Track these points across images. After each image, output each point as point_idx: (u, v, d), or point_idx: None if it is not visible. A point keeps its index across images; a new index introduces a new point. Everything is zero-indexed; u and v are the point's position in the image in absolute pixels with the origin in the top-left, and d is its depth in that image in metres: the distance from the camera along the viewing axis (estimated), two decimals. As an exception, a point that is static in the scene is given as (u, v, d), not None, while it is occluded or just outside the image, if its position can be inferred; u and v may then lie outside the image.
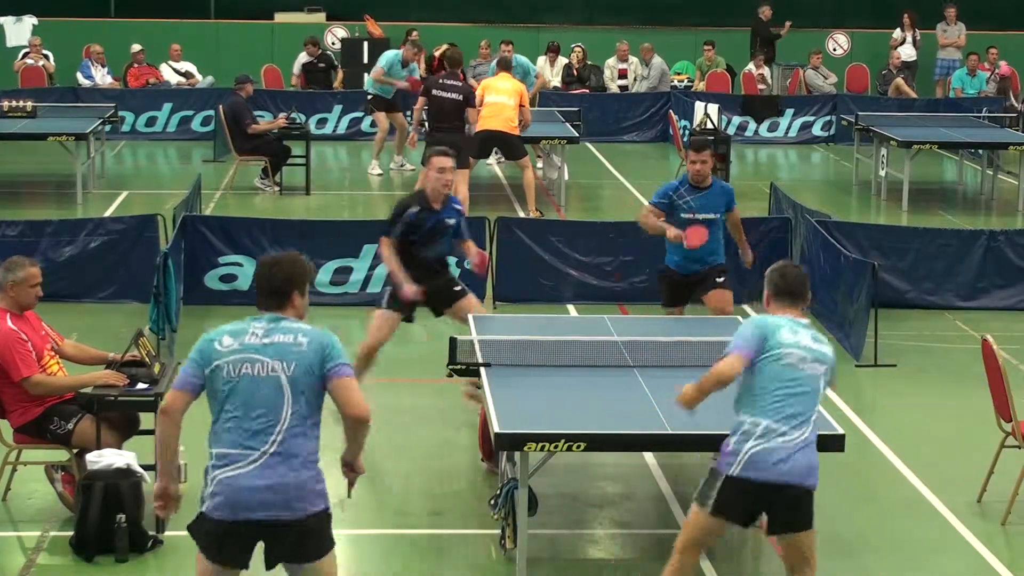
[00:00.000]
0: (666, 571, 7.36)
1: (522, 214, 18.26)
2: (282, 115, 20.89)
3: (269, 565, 6.40)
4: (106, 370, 8.97)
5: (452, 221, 10.82)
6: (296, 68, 26.92)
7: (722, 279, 11.77)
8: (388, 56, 21.95)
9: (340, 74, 26.84)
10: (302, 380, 6.35)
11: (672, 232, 11.51)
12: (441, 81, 18.00)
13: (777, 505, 7.09)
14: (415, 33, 27.73)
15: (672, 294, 11.87)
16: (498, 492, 8.56)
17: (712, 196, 11.65)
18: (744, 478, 7.04)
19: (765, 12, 28.03)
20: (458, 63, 18.52)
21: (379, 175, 21.55)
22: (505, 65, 18.72)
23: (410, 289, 10.57)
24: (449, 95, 17.65)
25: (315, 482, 6.35)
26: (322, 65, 26.83)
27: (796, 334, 7.24)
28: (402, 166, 22.02)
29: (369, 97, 22.08)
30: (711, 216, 11.60)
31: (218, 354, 6.39)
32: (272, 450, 6.29)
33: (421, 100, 18.25)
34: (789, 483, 7.03)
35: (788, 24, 28.08)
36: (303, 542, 6.33)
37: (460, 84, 17.95)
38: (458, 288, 10.98)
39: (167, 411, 6.39)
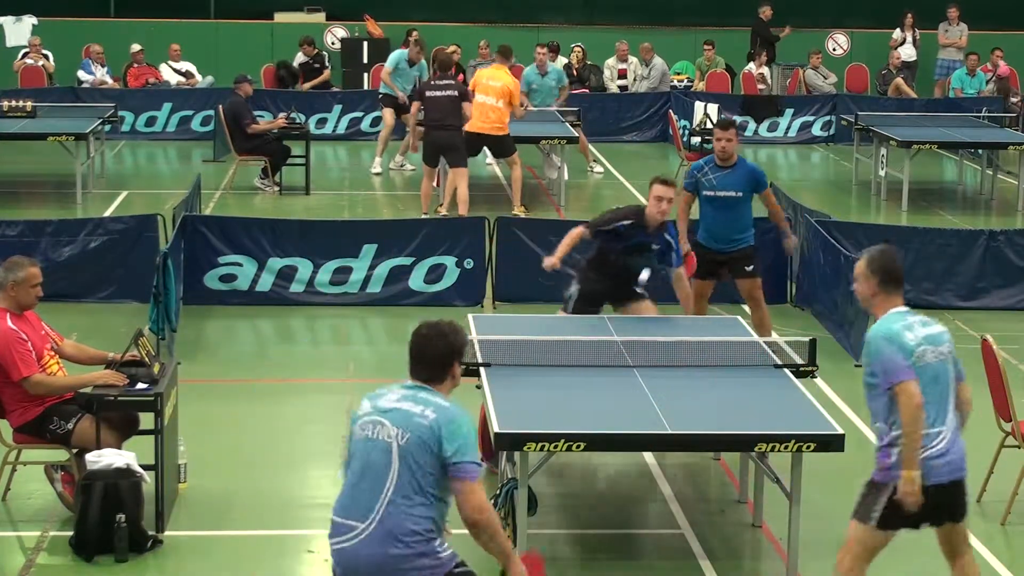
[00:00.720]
0: None
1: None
2: (282, 115, 20.89)
3: None
4: (106, 370, 8.97)
5: (656, 247, 10.88)
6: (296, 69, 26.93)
7: (751, 267, 12.04)
8: (395, 56, 22.00)
9: (326, 74, 26.70)
10: (413, 453, 6.06)
11: (683, 246, 11.69)
12: (433, 82, 17.97)
13: (945, 501, 7.06)
14: (415, 33, 27.73)
15: (701, 267, 12.07)
16: (498, 492, 8.56)
17: (735, 175, 11.85)
18: None
19: (766, 12, 28.03)
20: (448, 65, 18.49)
21: (378, 174, 21.55)
22: (505, 55, 18.59)
23: (548, 260, 10.87)
24: (444, 93, 17.62)
25: (418, 560, 6.05)
26: (317, 65, 26.82)
27: (913, 330, 7.06)
28: (402, 166, 22.01)
29: (380, 96, 22.20)
30: (732, 193, 11.82)
31: (356, 417, 6.26)
32: (373, 527, 6.05)
33: (415, 105, 18.25)
34: (956, 479, 7.04)
35: (788, 29, 28.07)
36: None
37: (452, 82, 17.95)
38: (639, 291, 11.11)
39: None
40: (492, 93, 17.85)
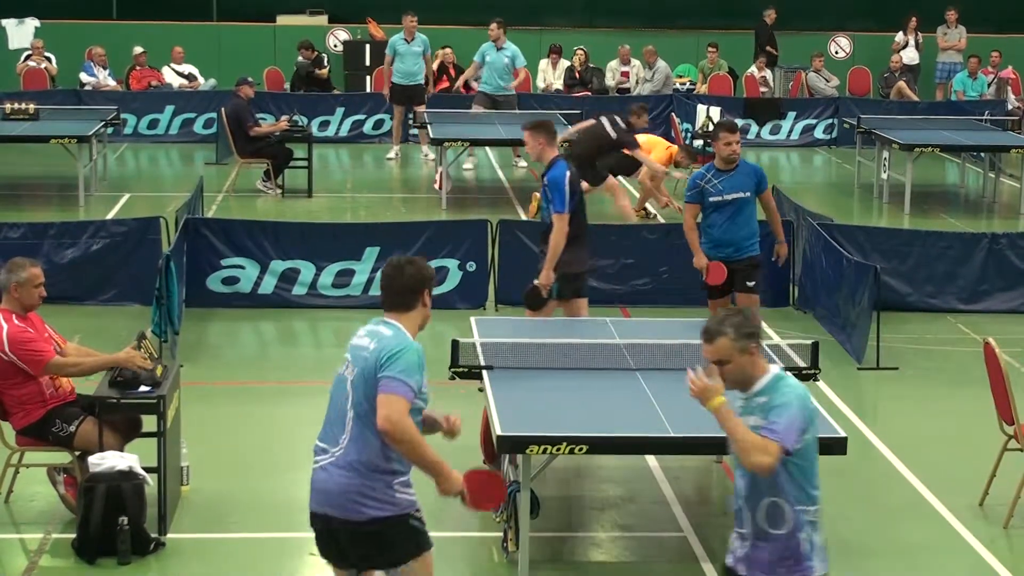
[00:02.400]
0: None
1: (523, 216, 18.26)
2: (284, 117, 20.89)
3: (361, 568, 6.62)
4: (130, 349, 8.97)
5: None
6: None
7: (752, 283, 11.74)
8: (390, 43, 22.52)
9: (323, 72, 26.67)
10: (360, 386, 6.41)
11: (698, 261, 11.68)
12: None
13: None
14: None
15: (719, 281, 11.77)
16: None
17: (739, 176, 11.63)
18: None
19: (770, 15, 28.02)
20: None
21: (392, 158, 22.13)
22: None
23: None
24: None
25: (372, 485, 6.37)
26: (316, 69, 26.81)
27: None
28: (427, 155, 22.30)
29: (386, 93, 22.41)
30: (740, 195, 11.60)
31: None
32: (338, 453, 6.44)
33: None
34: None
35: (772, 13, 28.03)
36: (365, 546, 6.47)
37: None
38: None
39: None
40: None
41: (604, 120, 17.73)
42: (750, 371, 6.03)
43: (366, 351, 6.42)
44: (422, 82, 22.56)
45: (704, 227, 11.79)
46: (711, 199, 11.63)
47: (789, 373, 6.18)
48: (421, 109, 21.92)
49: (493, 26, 22.23)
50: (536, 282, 10.98)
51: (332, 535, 6.53)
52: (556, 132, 11.38)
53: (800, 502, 5.94)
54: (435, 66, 25.20)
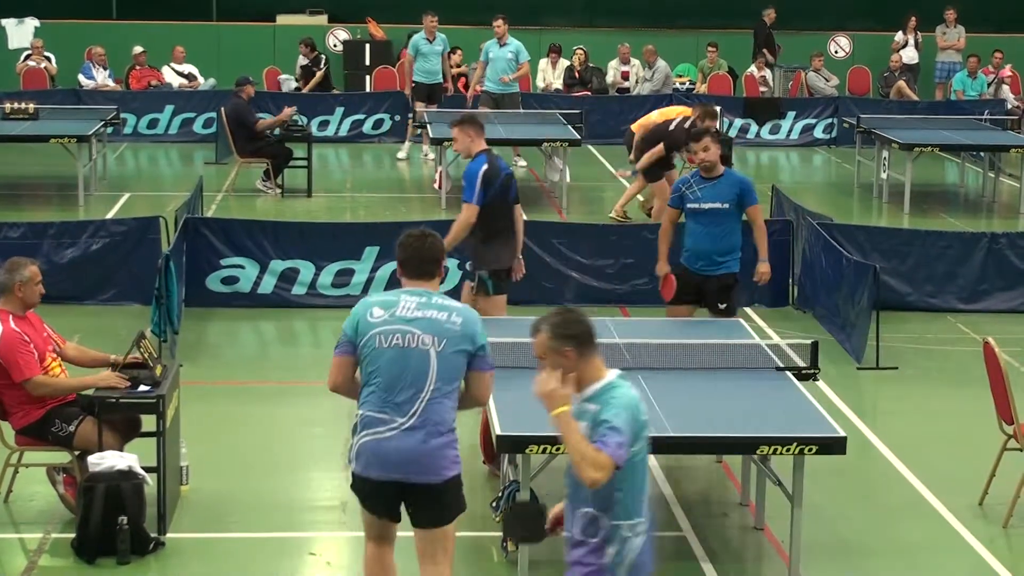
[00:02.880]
0: None
1: (524, 216, 18.25)
2: (287, 108, 20.82)
3: (415, 523, 7.00)
4: (108, 372, 8.98)
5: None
6: (297, 70, 26.94)
7: (724, 305, 11.18)
8: (412, 41, 22.51)
9: (319, 75, 26.67)
10: (450, 358, 6.82)
11: (658, 268, 11.40)
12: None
13: None
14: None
15: (678, 290, 11.29)
16: (499, 494, 8.55)
17: (720, 186, 11.13)
18: None
19: (770, 15, 28.02)
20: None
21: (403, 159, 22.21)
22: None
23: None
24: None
25: (449, 448, 6.88)
26: (315, 69, 26.81)
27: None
28: (426, 155, 22.22)
29: (408, 92, 22.59)
30: (717, 206, 11.11)
31: (370, 325, 6.82)
32: (413, 421, 6.79)
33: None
34: None
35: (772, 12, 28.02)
36: (434, 505, 6.88)
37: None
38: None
39: (337, 389, 6.96)
40: None
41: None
42: (575, 373, 5.93)
43: (452, 325, 6.84)
44: (442, 80, 22.62)
45: (685, 235, 11.41)
46: (689, 206, 11.19)
47: (624, 381, 6.02)
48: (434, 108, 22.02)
49: (499, 22, 22.22)
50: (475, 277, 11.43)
51: (403, 498, 6.89)
52: (483, 127, 11.56)
53: (617, 516, 5.88)
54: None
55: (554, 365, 5.92)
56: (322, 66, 26.85)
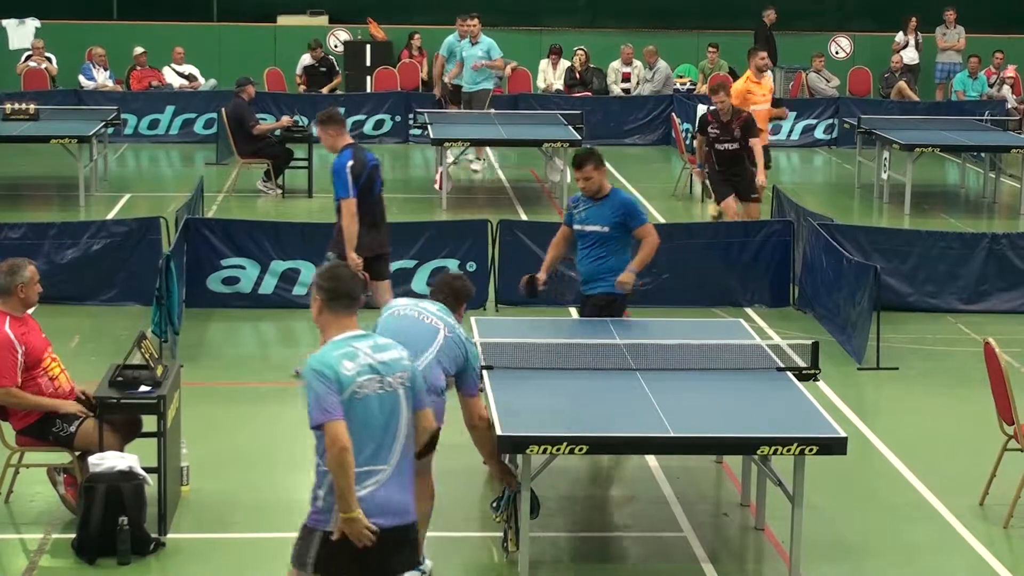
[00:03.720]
0: None
1: (524, 216, 18.27)
2: (286, 116, 20.87)
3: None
4: (75, 403, 9.04)
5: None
6: (299, 69, 26.94)
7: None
8: (445, 44, 22.43)
9: (337, 79, 26.80)
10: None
11: (540, 275, 11.06)
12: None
13: (384, 548, 6.33)
14: (417, 36, 27.79)
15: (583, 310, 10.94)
16: (500, 494, 8.56)
17: (603, 208, 10.59)
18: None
19: (770, 16, 28.01)
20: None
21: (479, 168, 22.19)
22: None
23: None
24: (727, 146, 16.47)
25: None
26: (323, 69, 26.85)
27: (357, 358, 6.35)
28: (475, 160, 22.26)
29: (438, 94, 22.67)
30: (597, 228, 10.57)
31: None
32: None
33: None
34: (396, 525, 6.38)
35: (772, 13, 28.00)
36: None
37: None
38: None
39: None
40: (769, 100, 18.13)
41: None
42: (320, 324, 6.47)
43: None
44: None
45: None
46: (575, 226, 10.83)
47: (351, 342, 6.36)
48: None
49: (475, 21, 22.26)
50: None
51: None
52: (343, 122, 11.90)
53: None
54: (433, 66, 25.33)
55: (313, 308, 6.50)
56: (337, 68, 26.91)
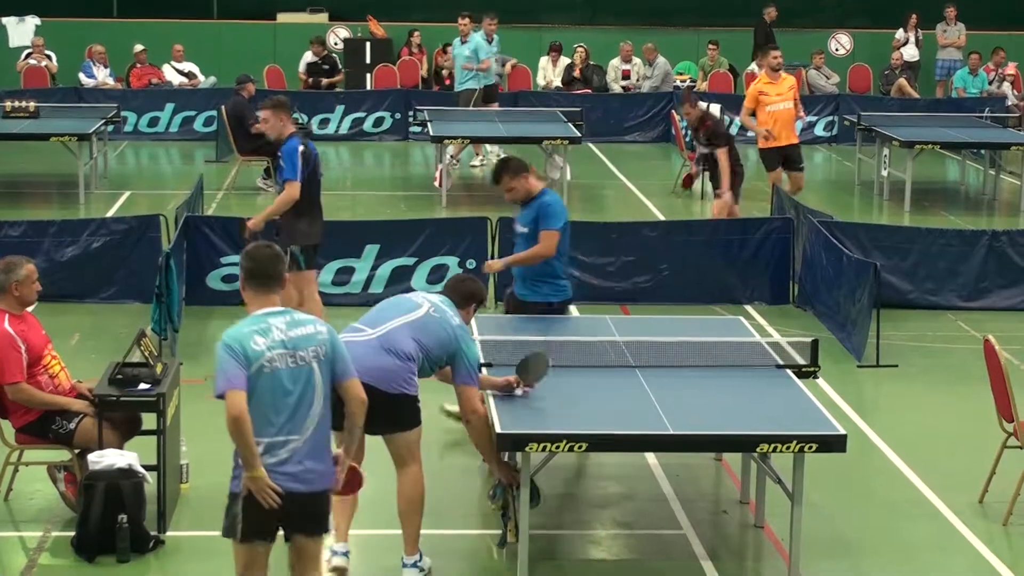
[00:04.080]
0: None
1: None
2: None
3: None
4: (82, 401, 9.03)
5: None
6: (301, 67, 26.95)
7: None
8: (471, 42, 22.19)
9: (340, 76, 26.82)
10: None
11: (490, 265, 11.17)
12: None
13: (294, 511, 6.86)
14: (417, 34, 27.80)
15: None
16: (497, 482, 8.56)
17: (529, 209, 10.38)
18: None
19: (770, 13, 28.00)
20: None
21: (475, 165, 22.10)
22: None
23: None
24: (703, 151, 17.14)
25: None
26: (326, 67, 26.85)
27: (269, 334, 6.73)
28: (486, 156, 22.20)
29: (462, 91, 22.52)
30: (524, 230, 10.41)
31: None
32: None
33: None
34: (309, 491, 6.85)
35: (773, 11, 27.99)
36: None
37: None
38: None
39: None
40: (791, 99, 17.94)
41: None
42: (245, 300, 6.93)
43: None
44: (498, 81, 22.79)
45: None
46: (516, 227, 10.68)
47: (248, 325, 6.76)
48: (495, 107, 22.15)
49: (465, 20, 22.28)
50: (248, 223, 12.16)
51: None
52: (291, 108, 12.35)
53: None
54: (432, 65, 25.40)
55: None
56: (340, 66, 26.92)
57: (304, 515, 6.85)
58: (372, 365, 7.88)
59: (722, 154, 16.54)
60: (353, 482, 7.30)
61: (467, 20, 22.24)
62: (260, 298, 6.82)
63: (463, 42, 22.21)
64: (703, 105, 18.69)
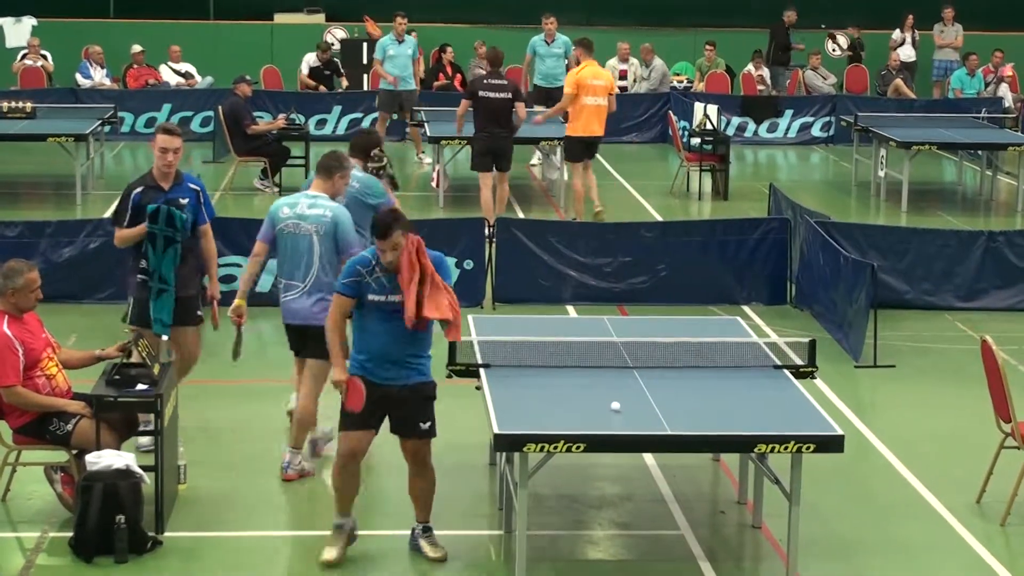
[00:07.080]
0: None
1: (520, 214, 18.26)
2: (281, 116, 20.90)
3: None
4: (78, 402, 9.04)
5: (186, 200, 10.24)
6: (304, 68, 26.92)
7: (427, 425, 8.48)
8: (530, 43, 22.81)
9: (344, 82, 26.80)
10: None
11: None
12: (486, 81, 17.27)
13: (294, 337, 10.04)
14: (414, 34, 27.76)
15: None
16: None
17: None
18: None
19: (790, 16, 27.92)
20: (499, 62, 17.65)
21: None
22: (589, 47, 18.06)
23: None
24: (497, 95, 17.09)
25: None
26: (328, 72, 26.82)
27: (296, 207, 9.65)
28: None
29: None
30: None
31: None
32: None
33: (464, 103, 17.32)
34: (299, 324, 9.72)
35: (801, 45, 28.01)
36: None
37: (506, 82, 17.32)
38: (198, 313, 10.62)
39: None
40: (601, 93, 17.72)
41: None
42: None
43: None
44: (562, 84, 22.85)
45: None
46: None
47: (289, 199, 9.93)
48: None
49: (402, 20, 22.27)
50: None
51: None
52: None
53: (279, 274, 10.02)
54: (430, 65, 25.36)
55: None
56: (342, 71, 26.90)
57: (301, 339, 9.76)
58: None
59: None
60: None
61: (402, 20, 22.38)
62: (316, 182, 9.81)
63: (400, 41, 22.24)
64: None
